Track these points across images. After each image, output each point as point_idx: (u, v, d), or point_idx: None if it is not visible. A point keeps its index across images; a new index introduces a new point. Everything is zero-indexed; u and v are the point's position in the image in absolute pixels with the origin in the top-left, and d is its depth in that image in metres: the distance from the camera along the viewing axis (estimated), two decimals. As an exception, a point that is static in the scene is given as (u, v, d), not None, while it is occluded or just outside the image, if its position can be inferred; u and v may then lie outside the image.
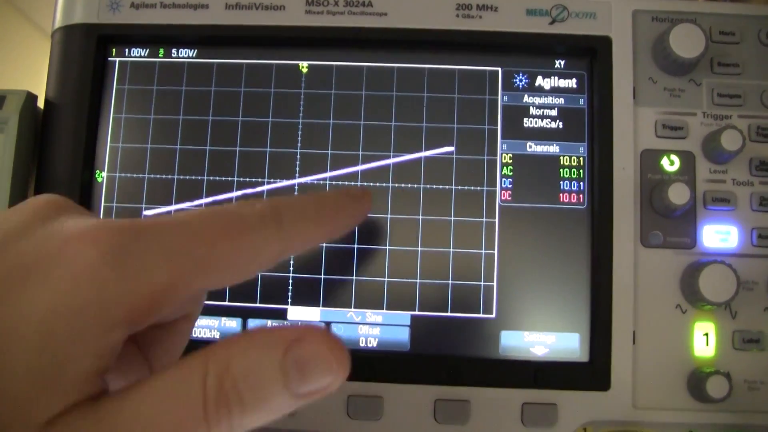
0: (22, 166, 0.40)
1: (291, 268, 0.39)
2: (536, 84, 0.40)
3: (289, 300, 0.39)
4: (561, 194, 0.39)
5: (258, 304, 0.39)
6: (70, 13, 0.42)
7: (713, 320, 0.38)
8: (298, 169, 0.40)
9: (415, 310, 0.39)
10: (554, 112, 0.40)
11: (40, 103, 0.42)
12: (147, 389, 0.18)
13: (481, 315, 0.39)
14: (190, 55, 0.41)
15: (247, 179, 0.40)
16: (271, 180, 0.40)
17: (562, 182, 0.39)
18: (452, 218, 0.39)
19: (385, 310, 0.39)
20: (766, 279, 0.38)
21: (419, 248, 0.39)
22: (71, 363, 0.18)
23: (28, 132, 0.41)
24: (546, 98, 0.40)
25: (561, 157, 0.40)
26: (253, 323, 0.39)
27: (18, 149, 0.40)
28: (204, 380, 0.18)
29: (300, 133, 0.40)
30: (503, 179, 0.39)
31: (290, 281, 0.39)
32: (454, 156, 0.39)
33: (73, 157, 0.40)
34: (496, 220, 0.39)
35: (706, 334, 0.38)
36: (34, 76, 0.73)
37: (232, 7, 0.41)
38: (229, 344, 0.19)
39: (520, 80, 0.40)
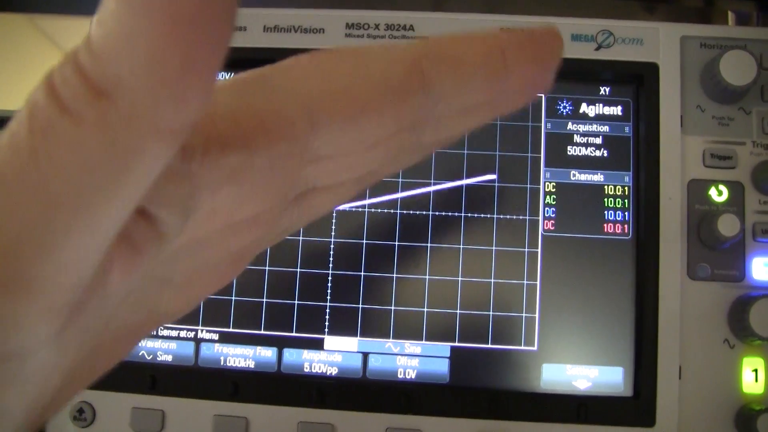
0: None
1: (329, 297, 0.38)
2: (581, 111, 0.39)
3: (326, 329, 0.38)
4: (605, 224, 0.38)
5: (294, 334, 0.38)
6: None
7: (763, 356, 0.37)
8: (336, 195, 0.39)
9: (454, 342, 0.38)
10: (599, 140, 0.39)
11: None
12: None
13: (522, 347, 0.38)
14: (227, 78, 0.41)
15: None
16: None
17: (606, 212, 0.38)
18: (494, 248, 0.38)
19: (424, 341, 0.38)
20: (817, 314, 0.37)
21: (459, 278, 0.38)
22: None
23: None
24: (590, 126, 0.39)
25: (606, 186, 0.39)
26: (288, 353, 0.38)
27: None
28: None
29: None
30: (546, 208, 0.38)
31: (327, 310, 0.38)
32: (496, 184, 0.39)
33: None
34: (539, 250, 0.38)
35: (755, 370, 0.37)
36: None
37: (270, 29, 0.40)
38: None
39: (564, 107, 0.39)
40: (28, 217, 0.11)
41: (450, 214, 0.39)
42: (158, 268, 0.15)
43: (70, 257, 0.11)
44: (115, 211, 0.11)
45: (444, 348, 0.38)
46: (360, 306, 0.38)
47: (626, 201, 0.39)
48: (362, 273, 0.38)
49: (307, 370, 0.38)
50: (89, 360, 0.15)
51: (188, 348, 0.39)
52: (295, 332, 0.38)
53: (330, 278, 0.38)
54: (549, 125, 0.39)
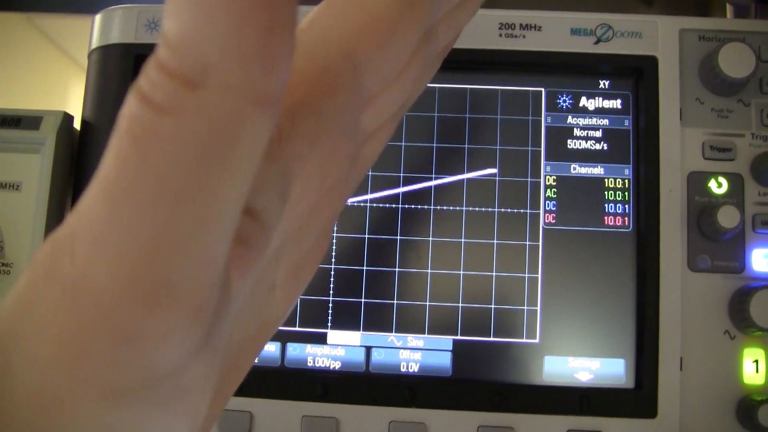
0: (59, 187, 0.40)
1: (331, 291, 0.39)
2: (580, 105, 0.39)
3: (329, 324, 0.39)
4: (606, 217, 0.38)
5: (297, 328, 0.39)
6: (107, 33, 0.41)
7: (764, 347, 0.37)
8: (338, 191, 0.39)
9: (457, 335, 0.38)
10: (599, 134, 0.39)
11: (76, 124, 0.42)
12: None
13: (524, 340, 0.38)
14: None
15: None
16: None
17: (607, 205, 0.39)
18: (495, 241, 0.38)
19: (426, 335, 0.38)
20: (817, 305, 0.37)
21: (461, 272, 0.38)
22: None
23: (65, 152, 0.41)
24: (590, 119, 0.39)
25: (606, 179, 0.39)
26: (292, 347, 0.39)
27: (55, 169, 0.40)
28: None
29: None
30: (547, 201, 0.39)
31: (330, 304, 0.39)
32: (497, 178, 0.39)
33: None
34: (540, 243, 0.38)
35: (756, 361, 0.37)
36: (61, 98, 0.73)
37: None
38: None
39: (564, 101, 0.40)
40: (157, 221, 0.11)
41: (451, 208, 0.39)
42: (266, 272, 0.15)
43: (202, 253, 0.11)
44: (234, 194, 0.11)
45: (446, 341, 0.38)
46: (363, 300, 0.38)
47: (626, 194, 0.39)
48: (365, 267, 0.38)
49: (310, 364, 0.38)
50: (223, 381, 0.15)
51: (192, 343, 0.39)
52: (299, 327, 0.39)
53: (333, 273, 0.39)
54: (549, 119, 0.39)
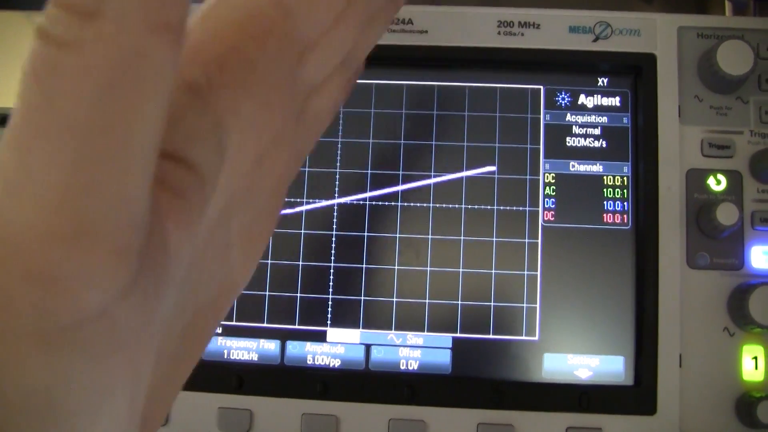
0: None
1: (331, 289, 0.39)
2: (579, 102, 0.40)
3: (329, 321, 0.39)
4: (605, 214, 0.39)
5: (297, 326, 0.39)
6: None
7: (763, 343, 0.37)
8: (337, 189, 0.39)
9: (456, 332, 0.38)
10: (597, 131, 0.39)
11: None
12: None
13: (523, 337, 0.38)
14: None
15: (287, 199, 0.39)
16: (310, 200, 0.39)
17: (606, 202, 0.39)
18: (494, 239, 0.38)
19: (426, 332, 0.38)
20: (816, 301, 0.37)
21: (461, 269, 0.38)
22: None
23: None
24: (589, 117, 0.39)
25: (604, 177, 0.39)
26: (291, 345, 0.39)
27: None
28: None
29: (339, 152, 0.40)
30: (546, 199, 0.39)
31: (329, 302, 0.39)
32: (496, 176, 0.39)
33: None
34: (539, 240, 0.38)
35: (755, 358, 0.37)
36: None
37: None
38: None
39: (563, 98, 0.40)
40: (67, 160, 0.10)
41: (450, 206, 0.39)
42: (217, 229, 0.15)
43: (118, 192, 0.11)
44: (145, 129, 0.11)
45: (446, 339, 0.38)
46: (362, 298, 0.38)
47: (625, 191, 0.39)
48: (364, 265, 0.39)
49: (310, 362, 0.38)
50: (182, 345, 0.15)
51: (192, 342, 0.39)
52: (298, 325, 0.39)
53: (332, 271, 0.39)
54: (548, 117, 0.39)
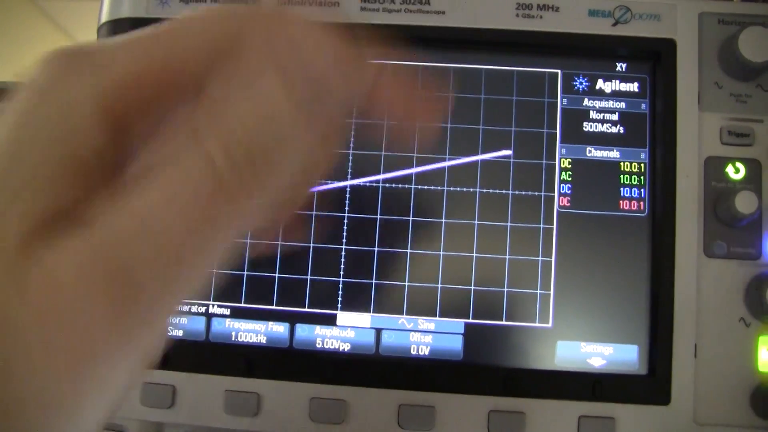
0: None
1: (342, 272, 0.38)
2: (597, 87, 0.39)
3: (339, 305, 0.38)
4: (621, 201, 0.38)
5: (306, 309, 0.38)
6: (117, 7, 0.41)
7: (779, 334, 0.37)
8: (350, 171, 0.39)
9: (468, 318, 0.38)
10: (615, 117, 0.39)
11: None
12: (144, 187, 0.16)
13: (537, 324, 0.37)
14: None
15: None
16: (322, 182, 0.39)
17: (622, 189, 0.38)
18: (509, 224, 0.38)
19: (438, 318, 0.38)
20: (834, 293, 0.37)
21: (474, 254, 0.38)
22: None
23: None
24: (607, 102, 0.39)
25: (621, 163, 0.38)
26: (301, 328, 0.38)
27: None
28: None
29: (353, 134, 0.39)
30: (562, 184, 0.38)
31: (340, 285, 0.38)
32: (512, 160, 0.38)
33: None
34: (554, 226, 0.38)
35: (771, 349, 0.37)
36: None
37: (282, 3, 0.40)
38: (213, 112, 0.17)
39: (581, 83, 0.39)
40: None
41: (465, 189, 0.38)
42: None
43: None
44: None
45: (458, 324, 0.38)
46: (373, 282, 0.38)
47: (642, 178, 0.38)
48: (376, 248, 0.38)
49: (319, 345, 0.38)
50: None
51: (199, 323, 0.38)
52: (308, 308, 0.38)
53: (343, 253, 0.38)
54: (565, 101, 0.39)
